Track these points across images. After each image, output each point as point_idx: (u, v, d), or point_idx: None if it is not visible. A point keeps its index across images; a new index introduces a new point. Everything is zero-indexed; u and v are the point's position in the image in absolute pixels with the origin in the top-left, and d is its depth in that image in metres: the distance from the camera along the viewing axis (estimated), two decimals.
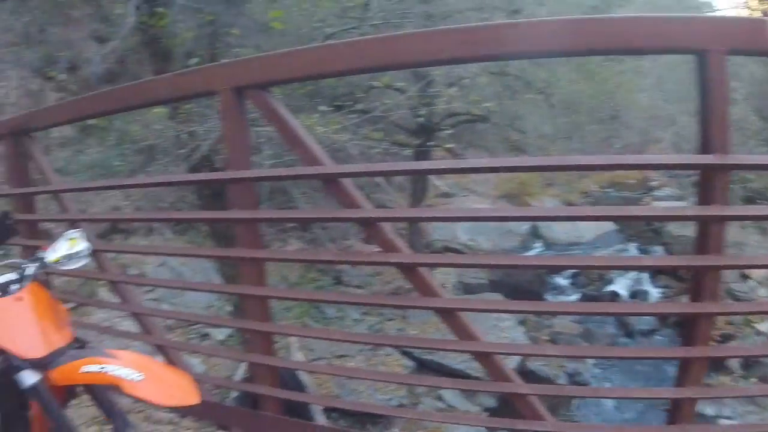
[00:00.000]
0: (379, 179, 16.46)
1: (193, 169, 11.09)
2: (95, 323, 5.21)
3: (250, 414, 3.69)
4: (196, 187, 13.71)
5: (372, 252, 3.34)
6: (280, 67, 3.07)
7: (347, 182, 2.95)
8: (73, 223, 4.54)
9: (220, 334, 14.17)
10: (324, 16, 12.46)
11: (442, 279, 15.12)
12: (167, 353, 4.18)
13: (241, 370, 11.75)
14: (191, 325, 13.84)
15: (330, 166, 2.99)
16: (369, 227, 2.92)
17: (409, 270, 2.88)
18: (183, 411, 3.94)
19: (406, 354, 13.28)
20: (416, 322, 14.82)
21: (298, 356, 9.60)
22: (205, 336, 13.69)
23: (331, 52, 2.98)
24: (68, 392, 2.47)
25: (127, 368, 2.09)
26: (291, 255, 3.24)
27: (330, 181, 2.98)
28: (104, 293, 12.47)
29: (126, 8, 11.95)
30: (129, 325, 9.17)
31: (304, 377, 11.01)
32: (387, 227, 2.89)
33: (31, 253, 4.94)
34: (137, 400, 2.04)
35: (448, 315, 2.85)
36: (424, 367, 12.58)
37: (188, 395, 2.09)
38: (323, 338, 3.49)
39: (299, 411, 3.57)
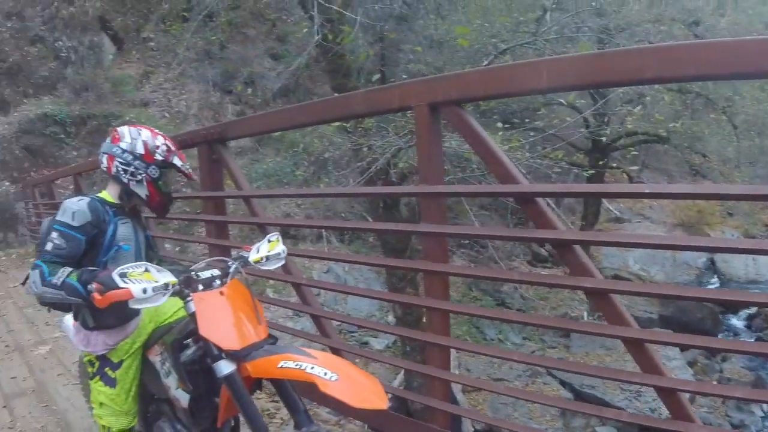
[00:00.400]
0: (549, 200, 16.09)
1: (369, 182, 11.29)
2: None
3: (418, 425, 3.70)
4: (369, 199, 14.02)
5: (564, 275, 3.26)
6: (476, 84, 3.08)
7: (542, 202, 2.91)
8: (261, 227, 4.76)
9: (377, 344, 14.38)
10: (497, 31, 12.27)
11: None
12: (342, 357, 4.26)
13: (398, 381, 11.88)
14: (350, 333, 14.17)
15: (526, 185, 2.97)
16: (563, 249, 2.86)
17: (600, 296, 2.79)
18: (366, 415, 4.00)
19: (565, 384, 12.99)
20: (579, 353, 14.47)
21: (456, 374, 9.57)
22: (365, 344, 13.95)
23: (530, 70, 2.93)
24: (255, 384, 2.58)
25: (322, 368, 2.14)
26: (479, 272, 3.19)
27: (525, 200, 2.95)
28: (270, 293, 13.01)
29: (308, 28, 12.24)
30: (292, 325, 9.47)
31: (459, 396, 10.96)
32: (581, 251, 2.82)
33: (220, 251, 5.22)
34: (331, 399, 2.07)
35: (636, 346, 2.74)
36: (582, 400, 12.26)
37: (379, 399, 2.11)
38: (499, 357, 3.42)
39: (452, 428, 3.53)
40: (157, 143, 2.93)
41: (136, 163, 2.91)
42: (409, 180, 11.93)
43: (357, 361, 4.42)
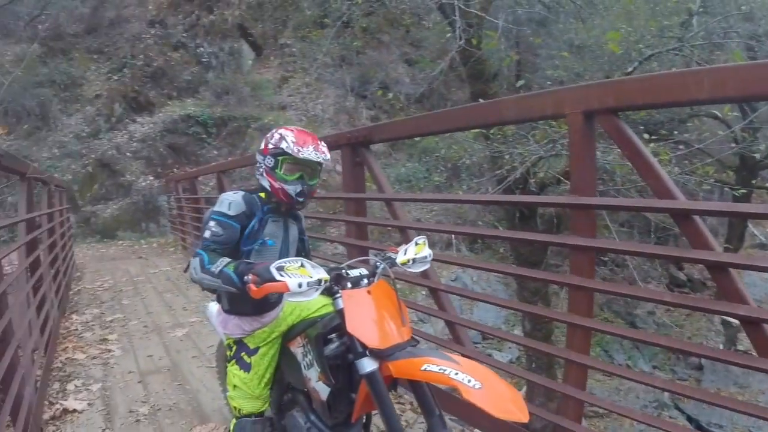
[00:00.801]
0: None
1: (506, 191, 11.15)
2: None
3: None
4: (505, 209, 13.89)
5: (709, 299, 3.05)
6: (635, 93, 2.93)
7: (699, 220, 2.74)
8: (402, 230, 4.74)
9: (501, 357, 14.23)
10: (641, 36, 11.84)
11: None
12: None
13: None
14: (474, 344, 14.06)
15: (685, 201, 2.82)
16: (718, 273, 2.68)
17: (753, 325, 2.59)
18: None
19: (692, 420, 12.51)
20: (710, 387, 13.95)
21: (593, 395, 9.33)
22: (489, 356, 13.82)
23: (691, 79, 2.76)
24: (391, 384, 2.56)
25: (466, 374, 2.10)
26: (630, 291, 3.04)
27: (681, 217, 2.79)
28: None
29: (450, 33, 12.20)
30: (417, 328, 9.45)
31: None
32: (736, 276, 2.64)
33: (359, 252, 5.25)
34: (474, 407, 2.01)
35: None
36: None
37: (520, 412, 2.04)
38: (640, 381, 3.22)
39: None
40: (274, 135, 3.05)
41: (259, 158, 3.08)
42: (548, 190, 11.70)
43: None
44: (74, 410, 5.04)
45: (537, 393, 10.15)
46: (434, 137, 17.84)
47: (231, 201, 2.99)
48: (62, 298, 8.61)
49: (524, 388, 11.46)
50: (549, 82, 13.96)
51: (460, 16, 11.51)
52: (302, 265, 2.41)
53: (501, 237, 12.12)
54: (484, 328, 4.51)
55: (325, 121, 23.34)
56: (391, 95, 22.07)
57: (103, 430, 4.67)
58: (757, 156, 15.07)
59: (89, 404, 5.21)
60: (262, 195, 3.12)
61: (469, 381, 2.07)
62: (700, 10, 11.81)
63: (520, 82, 13.22)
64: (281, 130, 3.06)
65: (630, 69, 11.19)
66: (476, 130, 11.41)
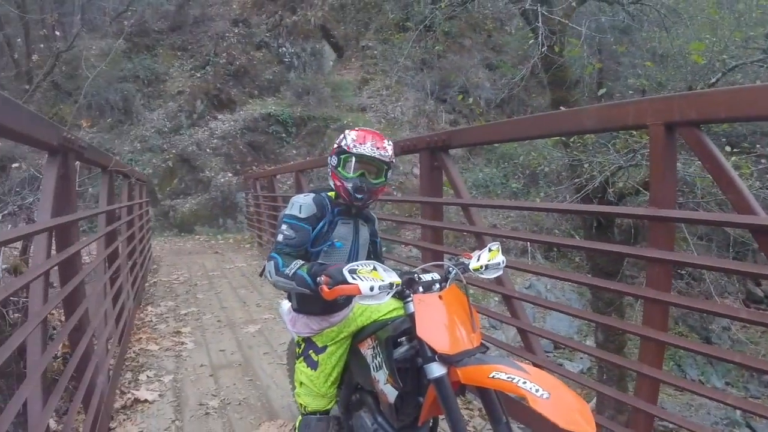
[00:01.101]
0: None
1: (584, 200, 11.03)
2: None
3: None
4: (582, 218, 13.72)
5: None
6: (720, 105, 2.88)
7: None
8: (477, 236, 4.75)
9: (571, 368, 14.06)
10: (725, 46, 11.54)
11: None
12: None
13: (589, 407, 11.52)
14: (546, 352, 13.92)
15: (764, 217, 2.75)
16: None
17: None
18: None
19: None
20: None
21: (664, 410, 9.16)
22: (559, 366, 13.67)
23: None
24: (459, 390, 2.56)
25: (534, 384, 2.10)
26: (707, 306, 2.98)
27: (761, 233, 2.74)
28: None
29: (532, 39, 12.12)
30: (487, 335, 9.40)
31: None
32: None
33: (433, 255, 5.28)
34: (541, 417, 2.01)
35: None
36: None
37: (587, 424, 2.01)
38: (713, 398, 3.17)
39: None
40: (344, 137, 3.12)
41: (328, 159, 3.18)
42: (626, 201, 11.53)
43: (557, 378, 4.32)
44: (145, 400, 5.19)
45: (607, 405, 10.01)
46: (513, 143, 17.74)
47: (302, 204, 3.07)
48: (138, 290, 8.81)
49: (594, 400, 11.30)
50: (630, 91, 13.75)
51: (543, 22, 11.43)
52: (374, 269, 2.44)
53: (576, 246, 11.97)
54: (556, 338, 4.48)
55: (404, 124, 23.41)
56: (470, 100, 21.99)
57: (173, 421, 4.77)
58: None
59: (160, 395, 5.34)
60: (332, 195, 3.19)
61: (537, 390, 2.06)
62: None
63: (602, 91, 13.06)
64: (347, 131, 3.13)
65: (713, 80, 10.95)
66: (556, 138, 11.32)
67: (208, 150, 21.82)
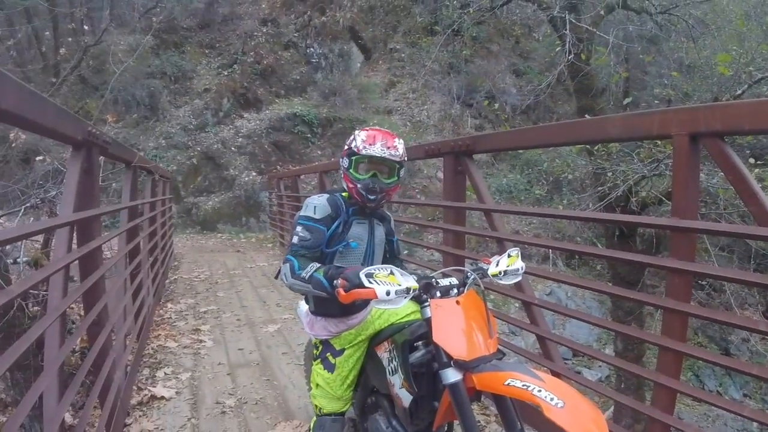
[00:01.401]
0: None
1: (607, 208, 11.02)
2: None
3: None
4: (604, 226, 13.71)
5: None
6: (745, 117, 2.88)
7: None
8: (499, 241, 4.77)
9: (590, 375, 14.01)
10: (751, 58, 11.49)
11: None
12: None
13: (606, 415, 11.48)
14: (564, 359, 13.89)
15: None
16: None
17: None
18: None
19: None
20: None
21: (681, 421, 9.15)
22: (577, 374, 13.63)
23: None
24: (474, 395, 2.54)
25: (549, 392, 2.10)
26: (727, 318, 2.99)
27: None
28: (489, 306, 13.02)
29: (559, 46, 12.12)
30: (506, 340, 9.38)
31: None
32: None
33: (455, 260, 5.30)
34: (553, 425, 2.03)
35: None
36: None
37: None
38: (729, 410, 3.18)
39: None
40: (354, 138, 3.11)
41: (341, 160, 3.16)
42: (648, 210, 11.50)
43: (573, 386, 4.33)
44: (162, 397, 5.21)
45: (624, 414, 9.98)
46: (537, 150, 17.71)
47: (316, 205, 3.06)
48: (158, 287, 8.87)
49: (611, 408, 11.27)
50: (656, 101, 13.70)
51: (571, 30, 11.44)
52: (391, 273, 2.44)
53: (598, 255, 11.97)
54: (575, 346, 4.48)
55: (430, 128, 23.42)
56: (496, 105, 21.98)
57: (189, 419, 4.80)
58: None
59: (177, 392, 5.38)
60: (346, 195, 3.18)
61: (552, 399, 2.07)
62: None
63: (627, 100, 13.03)
64: (357, 131, 3.13)
65: (739, 92, 10.90)
66: (580, 145, 11.30)
67: (232, 148, 21.93)
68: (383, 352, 3.14)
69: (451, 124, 23.72)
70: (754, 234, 3.11)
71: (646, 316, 12.81)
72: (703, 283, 15.58)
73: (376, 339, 3.28)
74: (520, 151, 18.25)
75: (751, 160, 10.00)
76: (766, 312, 18.05)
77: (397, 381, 2.93)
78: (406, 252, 13.67)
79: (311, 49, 25.39)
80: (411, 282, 2.45)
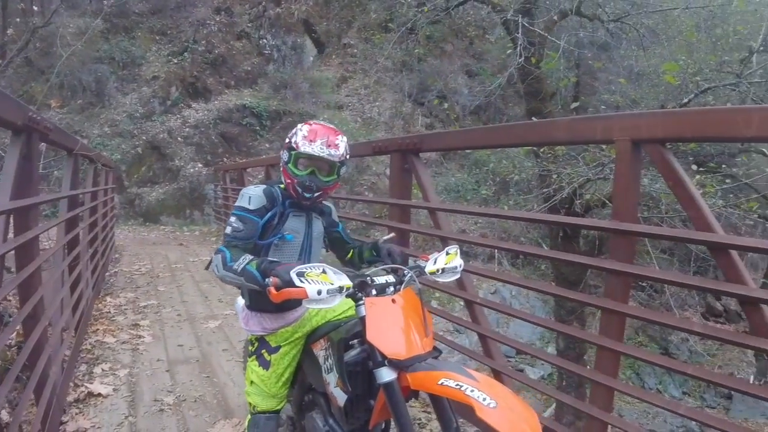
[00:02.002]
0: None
1: (551, 210, 11.19)
2: None
3: None
4: (549, 227, 13.92)
5: (743, 334, 3.08)
6: (685, 125, 2.97)
7: (735, 255, 2.78)
8: (443, 240, 4.80)
9: (533, 373, 14.21)
10: (699, 68, 11.78)
11: None
12: (501, 380, 4.22)
13: (547, 413, 11.66)
14: (508, 357, 14.05)
15: (722, 235, 2.84)
16: (750, 307, 2.72)
17: None
18: None
19: None
20: (738, 417, 13.86)
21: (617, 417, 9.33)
22: (520, 371, 13.84)
23: (741, 116, 2.76)
24: (411, 393, 2.54)
25: (482, 392, 2.11)
26: (662, 318, 3.08)
27: (718, 251, 2.83)
28: (435, 304, 13.10)
29: (511, 49, 12.27)
30: (451, 339, 9.43)
31: None
32: None
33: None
34: (485, 426, 2.04)
35: None
36: None
37: None
38: (665, 408, 3.26)
39: None
40: (296, 132, 3.06)
41: (281, 153, 3.12)
42: (592, 213, 11.72)
43: (515, 384, 4.38)
44: (99, 394, 5.11)
45: (566, 411, 10.15)
46: (486, 150, 17.86)
47: (251, 195, 3.02)
48: (98, 279, 8.69)
49: (553, 405, 11.44)
50: (603, 107, 13.97)
51: (524, 33, 11.57)
52: (324, 271, 2.40)
53: (540, 255, 12.15)
54: (516, 344, 4.55)
55: (380, 125, 23.42)
56: (446, 105, 22.10)
57: (126, 417, 4.72)
58: None
59: (114, 389, 5.27)
60: (283, 187, 3.12)
61: (485, 399, 2.07)
62: (761, 48, 11.66)
63: (575, 104, 13.27)
64: (300, 124, 3.08)
65: (685, 100, 11.15)
66: (527, 147, 11.46)
67: (179, 138, 21.59)
68: (319, 350, 3.12)
69: (402, 122, 23.77)
70: (691, 238, 3.20)
71: (588, 315, 13.04)
72: (644, 284, 15.92)
73: (312, 336, 3.26)
74: (468, 151, 18.42)
75: (694, 167, 10.25)
76: (705, 313, 18.55)
77: (332, 379, 2.92)
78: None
79: (264, 40, 25.13)
80: (344, 280, 2.43)
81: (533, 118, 10.78)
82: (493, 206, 17.09)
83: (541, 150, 11.12)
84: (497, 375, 4.30)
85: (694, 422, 13.40)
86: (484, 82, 21.95)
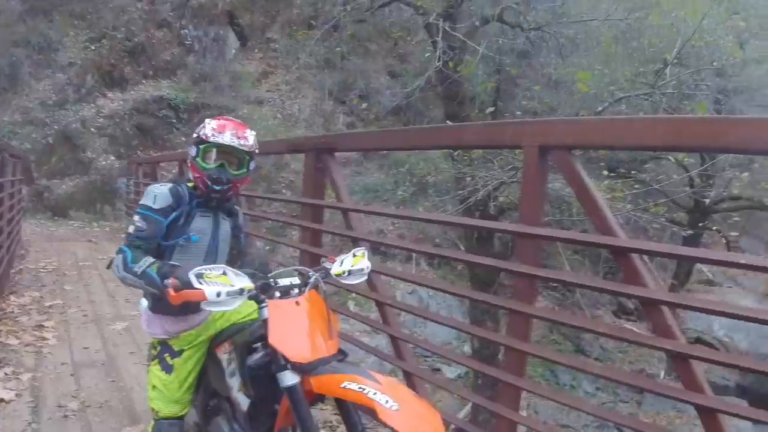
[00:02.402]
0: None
1: (467, 212, 11.34)
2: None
3: None
4: (465, 230, 14.13)
5: (646, 333, 3.20)
6: (591, 132, 3.08)
7: (636, 258, 2.88)
8: (355, 241, 4.81)
9: (450, 372, 14.35)
10: (615, 78, 12.14)
11: None
12: (412, 382, 4.27)
13: (464, 412, 11.80)
14: (425, 357, 14.15)
15: (623, 239, 2.95)
16: (650, 308, 2.82)
17: (680, 359, 2.73)
18: None
19: None
20: (650, 411, 14.27)
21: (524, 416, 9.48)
22: (437, 370, 13.99)
23: (646, 126, 2.89)
24: (318, 396, 2.56)
25: (385, 395, 2.12)
26: (564, 318, 3.18)
27: (619, 254, 2.93)
28: (351, 306, 13.09)
29: (430, 52, 12.41)
30: (368, 341, 9.45)
31: None
32: (667, 311, 2.78)
33: (311, 258, 5.29)
34: (389, 428, 2.06)
35: (708, 415, 2.66)
36: None
37: None
38: (572, 406, 3.37)
39: None
40: (204, 125, 2.97)
41: (188, 150, 3.03)
42: (506, 215, 11.93)
43: (427, 386, 4.41)
44: (1, 399, 4.92)
45: (482, 410, 10.27)
46: (405, 151, 17.98)
47: (157, 194, 2.93)
48: (2, 277, 8.37)
49: (470, 404, 11.57)
50: (518, 112, 14.27)
51: (443, 37, 11.69)
52: (224, 273, 2.38)
53: (451, 258, 12.34)
54: (426, 345, 4.61)
55: (300, 122, 23.22)
56: (365, 105, 22.13)
57: (29, 423, 4.56)
58: (707, 201, 15.92)
59: (17, 395, 5.08)
60: (191, 185, 3.05)
61: (387, 402, 2.09)
62: (675, 61, 12.08)
63: (490, 109, 13.50)
64: (208, 119, 3.00)
65: (600, 108, 11.47)
66: (444, 149, 11.61)
67: (92, 129, 20.82)
68: (223, 354, 3.07)
69: (323, 120, 23.64)
70: (593, 242, 3.29)
71: (502, 315, 13.25)
72: (556, 285, 16.30)
73: (217, 339, 3.20)
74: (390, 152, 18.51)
75: (605, 172, 10.55)
76: (617, 311, 19.11)
77: (235, 384, 2.89)
78: (269, 248, 13.53)
79: (186, 30, 24.50)
80: (245, 282, 2.41)
81: (448, 122, 10.94)
82: (411, 207, 17.22)
83: (456, 153, 11.27)
84: (409, 377, 4.33)
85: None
86: (407, 83, 22.11)
